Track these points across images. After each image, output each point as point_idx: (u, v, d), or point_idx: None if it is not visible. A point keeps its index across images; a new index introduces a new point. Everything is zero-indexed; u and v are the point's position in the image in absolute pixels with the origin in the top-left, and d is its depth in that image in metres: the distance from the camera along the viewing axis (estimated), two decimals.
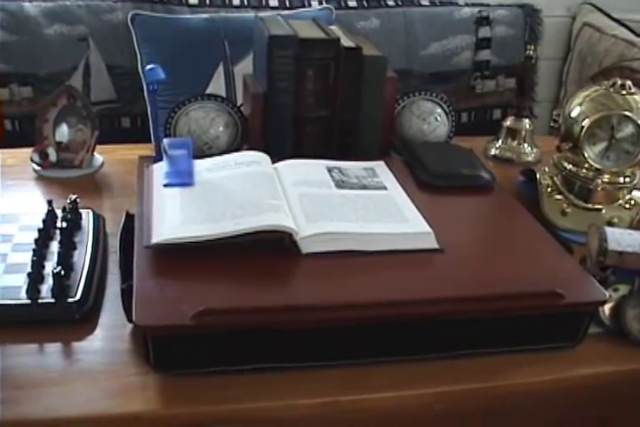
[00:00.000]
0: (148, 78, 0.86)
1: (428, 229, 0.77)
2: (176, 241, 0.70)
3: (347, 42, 0.97)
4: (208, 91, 1.44)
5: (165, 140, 0.91)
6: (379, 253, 0.73)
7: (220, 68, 1.48)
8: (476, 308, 0.67)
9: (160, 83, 0.86)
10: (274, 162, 0.89)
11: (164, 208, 0.77)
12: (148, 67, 0.86)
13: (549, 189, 0.96)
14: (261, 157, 0.88)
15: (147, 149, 1.08)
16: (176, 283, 0.67)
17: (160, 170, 0.86)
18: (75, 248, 0.78)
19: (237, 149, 1.01)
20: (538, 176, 0.98)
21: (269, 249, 0.72)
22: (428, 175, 0.92)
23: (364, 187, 0.86)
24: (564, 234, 0.88)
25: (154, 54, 1.46)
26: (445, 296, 0.67)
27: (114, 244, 0.81)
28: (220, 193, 0.79)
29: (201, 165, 0.87)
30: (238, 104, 1.03)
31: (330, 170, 0.89)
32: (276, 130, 0.99)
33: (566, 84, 1.79)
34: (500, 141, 1.15)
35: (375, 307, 0.65)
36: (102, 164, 1.03)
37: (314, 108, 0.97)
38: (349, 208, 0.79)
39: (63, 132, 1.01)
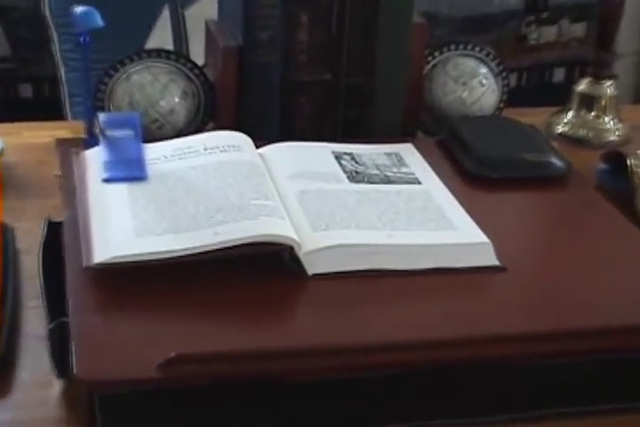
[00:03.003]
0: (80, 26, 0.87)
1: (484, 238, 0.79)
2: (130, 259, 0.72)
3: None
4: (148, 45, 1.46)
5: (102, 116, 0.93)
6: (415, 273, 0.75)
7: (166, 13, 1.49)
8: (558, 348, 0.69)
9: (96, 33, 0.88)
10: (257, 146, 0.91)
11: (106, 213, 0.79)
12: (79, 9, 0.87)
13: None
14: (241, 140, 0.90)
15: (65, 129, 1.09)
16: (132, 319, 0.68)
17: (96, 158, 0.87)
18: None
19: (200, 129, 1.03)
20: (628, 162, 1.00)
21: (262, 269, 0.74)
22: (476, 163, 0.94)
23: (389, 180, 0.88)
24: None
25: None
26: (512, 333, 0.69)
27: (29, 265, 0.82)
28: (188, 191, 0.81)
29: (155, 152, 0.88)
30: (199, 63, 1.05)
31: (338, 157, 0.91)
32: (257, 101, 1.00)
33: None
34: (569, 114, 1.18)
35: (413, 350, 0.67)
36: (1, 150, 1.04)
37: (310, 69, 1.00)
38: (371, 210, 0.81)
39: None
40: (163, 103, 1.01)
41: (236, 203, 0.78)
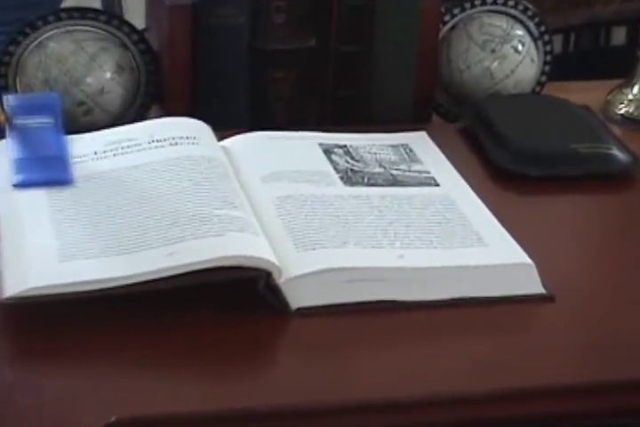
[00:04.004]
0: None
1: (524, 257, 0.80)
2: (54, 291, 0.72)
3: None
4: (68, 2, 1.45)
5: (9, 99, 0.93)
6: (434, 305, 0.76)
7: None
8: (622, 405, 0.69)
9: None
10: (220, 138, 0.91)
11: (19, 230, 0.79)
12: None
13: None
14: (198, 129, 0.90)
15: None
16: (58, 372, 0.68)
17: (3, 156, 0.88)
18: None
19: (142, 116, 1.03)
20: None
21: (230, 303, 0.74)
22: (512, 157, 0.95)
23: (397, 181, 0.89)
24: None
25: None
26: (561, 385, 0.69)
27: None
28: (129, 198, 0.81)
29: (84, 146, 0.89)
30: (139, 27, 1.05)
31: (328, 150, 0.92)
32: (217, 77, 1.01)
33: None
34: (635, 89, 1.18)
35: (432, 409, 0.68)
36: None
37: (289, 33, 1.00)
38: (374, 222, 0.82)
39: None
40: (90, 80, 1.01)
41: (194, 214, 0.78)
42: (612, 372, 0.71)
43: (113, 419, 0.63)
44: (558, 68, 1.15)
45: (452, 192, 0.89)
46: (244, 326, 0.74)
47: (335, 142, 0.94)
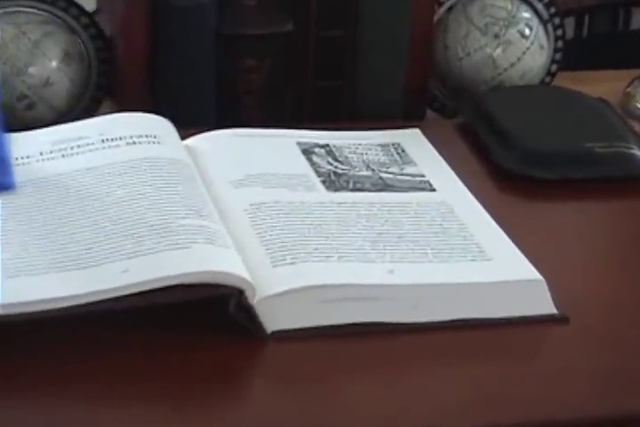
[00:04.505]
0: None
1: (533, 273, 0.80)
2: (5, 312, 0.72)
3: None
4: None
5: None
6: (429, 328, 0.77)
7: None
8: None
9: None
10: (183, 136, 0.92)
11: None
12: None
13: None
14: (158, 127, 0.91)
15: None
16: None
17: None
18: None
19: (93, 111, 1.04)
20: None
21: (196, 325, 0.75)
22: (518, 158, 0.96)
23: (387, 185, 0.90)
24: None
25: None
26: (578, 419, 0.70)
27: None
28: (80, 206, 0.81)
29: (27, 146, 0.89)
30: (89, 9, 1.05)
31: (308, 150, 0.93)
32: (180, 66, 1.01)
33: None
34: None
35: None
36: None
37: (262, 16, 1.01)
38: (360, 233, 0.83)
39: None
40: (33, 70, 1.01)
41: (154, 224, 0.79)
42: (630, 404, 0.72)
43: None
44: (570, 55, 1.15)
45: (449, 198, 0.90)
46: (213, 352, 0.74)
47: (316, 141, 0.95)
